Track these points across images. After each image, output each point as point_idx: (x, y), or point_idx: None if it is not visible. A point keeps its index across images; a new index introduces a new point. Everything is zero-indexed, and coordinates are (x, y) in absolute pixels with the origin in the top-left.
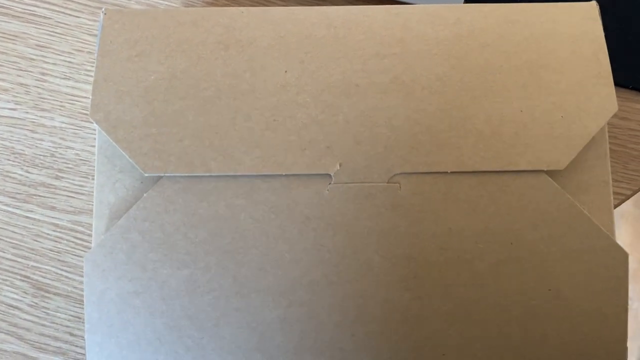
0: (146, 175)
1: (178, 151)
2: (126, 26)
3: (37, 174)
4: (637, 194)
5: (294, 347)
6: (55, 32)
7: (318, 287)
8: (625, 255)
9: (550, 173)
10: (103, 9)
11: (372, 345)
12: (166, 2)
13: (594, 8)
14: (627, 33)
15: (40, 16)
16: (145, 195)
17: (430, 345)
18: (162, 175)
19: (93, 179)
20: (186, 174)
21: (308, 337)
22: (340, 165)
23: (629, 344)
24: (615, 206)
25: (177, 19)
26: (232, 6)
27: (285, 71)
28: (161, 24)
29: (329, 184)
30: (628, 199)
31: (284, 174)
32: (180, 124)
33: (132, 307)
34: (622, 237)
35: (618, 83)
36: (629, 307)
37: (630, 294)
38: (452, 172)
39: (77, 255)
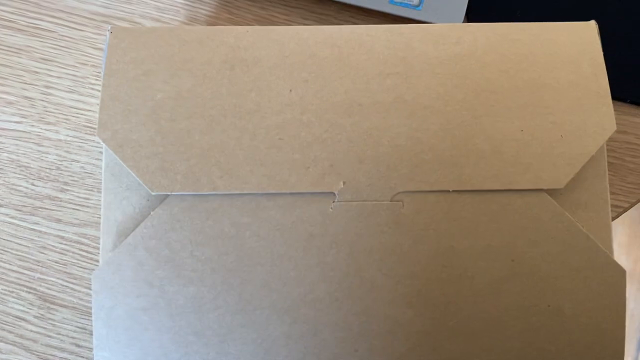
0: (153, 194)
1: (184, 170)
2: (132, 45)
3: (42, 187)
4: None
5: None
6: (60, 46)
7: (322, 304)
8: (622, 272)
9: (549, 191)
10: (109, 28)
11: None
12: (170, 16)
13: (593, 28)
14: (626, 47)
15: (44, 30)
16: (152, 213)
17: None
18: (169, 193)
19: (98, 192)
20: (193, 193)
21: (312, 353)
22: (344, 184)
23: (625, 345)
24: (613, 219)
25: (183, 38)
26: (235, 19)
27: (290, 90)
28: (167, 42)
29: (333, 202)
30: (625, 211)
31: (288, 192)
32: (186, 143)
33: (139, 324)
34: (619, 237)
35: (616, 97)
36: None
37: (627, 294)
38: (454, 191)
39: (83, 267)
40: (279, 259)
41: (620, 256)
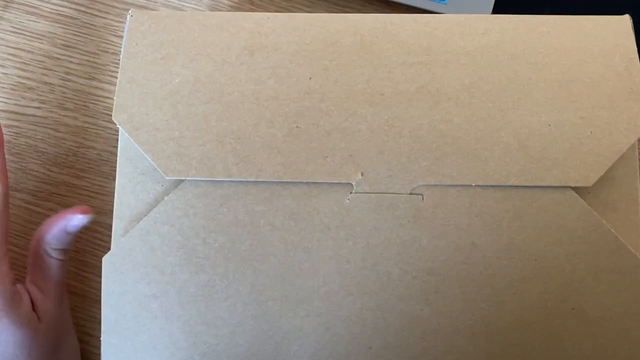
0: (167, 178)
1: (200, 155)
2: (152, 28)
3: (58, 173)
4: None
5: (310, 357)
6: (82, 33)
7: (336, 297)
8: None
9: (577, 189)
10: (130, 11)
11: (389, 358)
12: (192, 5)
13: (627, 22)
14: None
15: (67, 16)
16: (165, 198)
17: None
18: (184, 178)
19: (113, 180)
20: (207, 178)
21: (324, 348)
22: (362, 174)
23: None
24: None
25: (203, 23)
26: (257, 10)
27: (310, 78)
28: (187, 27)
29: (350, 192)
30: None
31: (305, 181)
32: (202, 128)
33: (148, 311)
34: None
35: None
36: None
37: None
38: (476, 185)
39: (96, 255)
40: (293, 250)
41: None
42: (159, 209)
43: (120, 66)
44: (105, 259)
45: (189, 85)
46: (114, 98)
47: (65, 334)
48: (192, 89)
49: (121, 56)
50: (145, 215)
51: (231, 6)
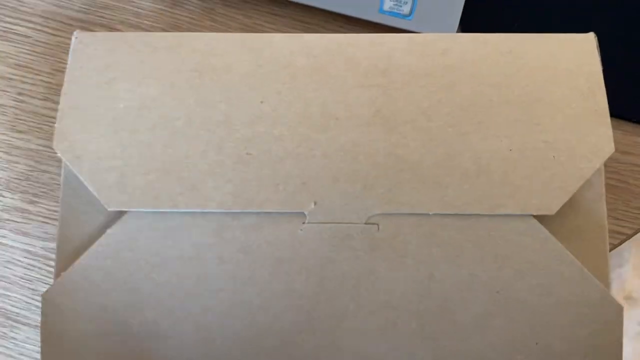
0: (110, 210)
1: (143, 185)
2: (97, 51)
3: (10, 198)
4: None
5: None
6: (35, 52)
7: (289, 335)
8: (619, 309)
9: (540, 217)
10: (75, 32)
11: None
12: (149, 22)
13: (591, 41)
14: (631, 64)
15: (20, 35)
16: (108, 231)
17: None
18: (127, 210)
19: None
20: (152, 210)
21: None
22: (315, 204)
23: None
24: (616, 246)
25: (152, 44)
26: (218, 27)
27: (261, 102)
28: (134, 49)
29: (303, 223)
30: (629, 238)
31: (255, 211)
32: (147, 155)
33: (91, 350)
34: (633, 259)
35: (621, 116)
36: (637, 332)
37: (638, 318)
38: (435, 214)
39: (49, 284)
40: (243, 285)
41: (634, 279)
42: (100, 242)
43: (62, 91)
44: (45, 296)
45: (134, 111)
46: (55, 125)
47: None
48: (137, 115)
49: (64, 80)
50: (88, 249)
51: (190, 23)
